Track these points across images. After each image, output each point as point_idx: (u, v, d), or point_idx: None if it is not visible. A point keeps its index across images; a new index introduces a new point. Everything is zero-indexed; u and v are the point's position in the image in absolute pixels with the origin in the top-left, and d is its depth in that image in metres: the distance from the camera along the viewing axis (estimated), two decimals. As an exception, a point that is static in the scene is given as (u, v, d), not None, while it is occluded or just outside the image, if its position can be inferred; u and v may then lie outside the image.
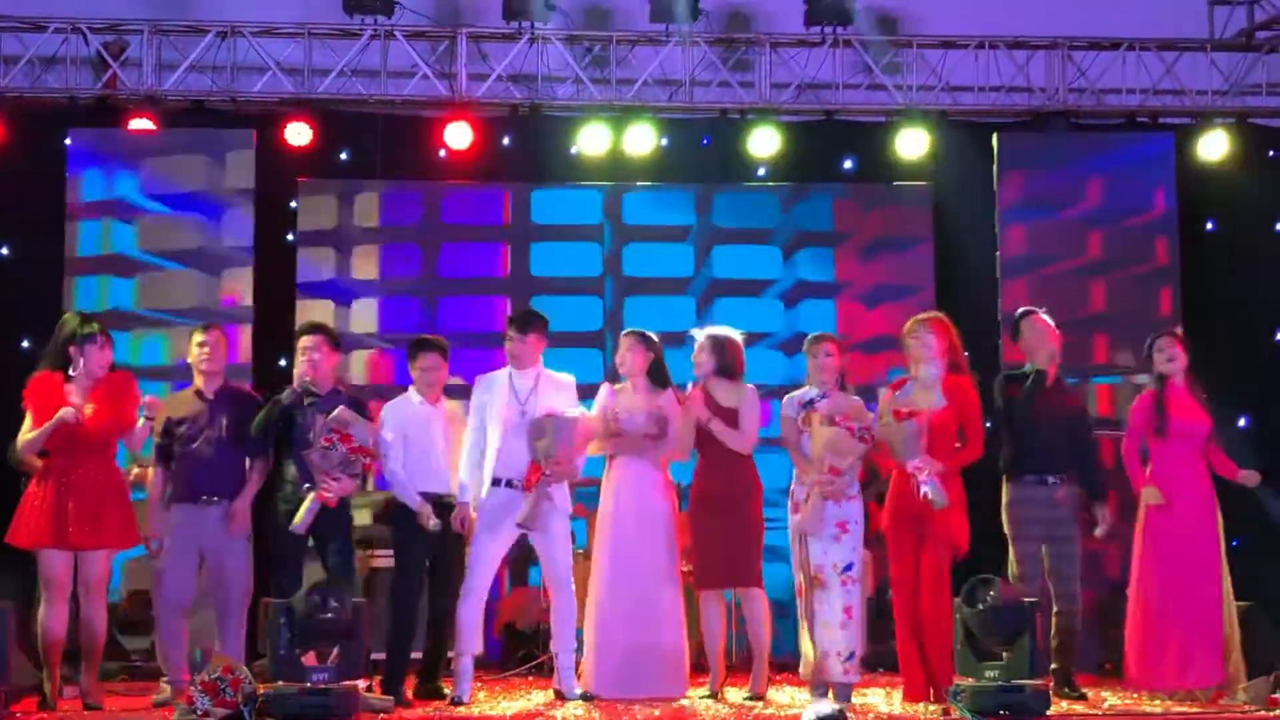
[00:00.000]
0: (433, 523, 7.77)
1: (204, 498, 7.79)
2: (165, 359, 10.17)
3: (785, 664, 8.85)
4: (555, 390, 7.93)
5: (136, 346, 10.14)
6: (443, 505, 7.88)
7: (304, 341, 7.96)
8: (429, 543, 7.86)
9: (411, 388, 8.09)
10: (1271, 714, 7.13)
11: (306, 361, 7.88)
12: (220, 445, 7.83)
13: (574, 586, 7.90)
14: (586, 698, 7.68)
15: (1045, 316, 8.10)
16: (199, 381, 7.94)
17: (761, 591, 8.02)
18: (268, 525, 7.90)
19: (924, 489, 7.37)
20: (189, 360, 8.00)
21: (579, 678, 7.84)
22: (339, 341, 8.17)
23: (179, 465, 7.82)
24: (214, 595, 7.86)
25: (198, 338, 7.96)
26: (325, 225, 10.87)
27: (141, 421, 7.69)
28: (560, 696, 7.80)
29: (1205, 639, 7.76)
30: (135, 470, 8.40)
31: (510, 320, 8.11)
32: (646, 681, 7.80)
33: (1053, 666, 7.81)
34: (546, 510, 7.73)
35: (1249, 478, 8.03)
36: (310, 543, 7.75)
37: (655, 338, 8.16)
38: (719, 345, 8.07)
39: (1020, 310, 8.27)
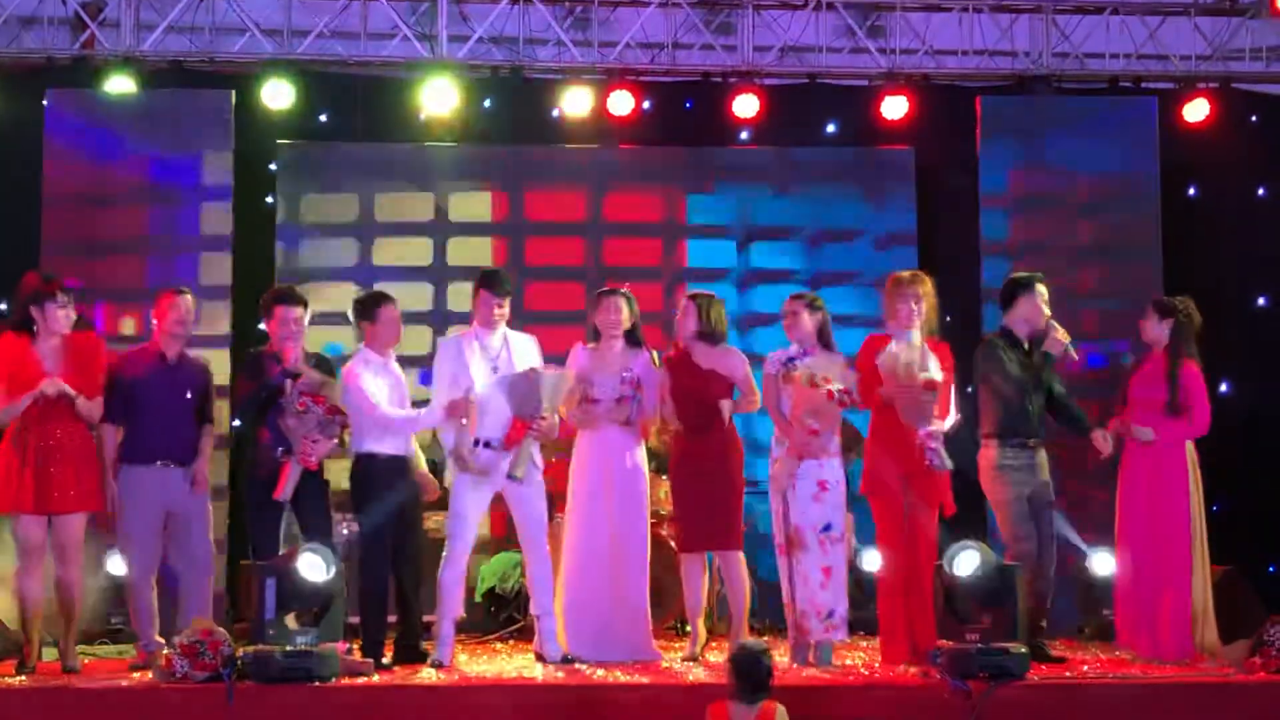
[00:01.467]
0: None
1: (160, 461, 7.75)
2: (129, 328, 10.02)
3: (767, 627, 8.90)
4: (524, 349, 7.89)
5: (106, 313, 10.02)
6: (411, 466, 7.88)
7: (295, 312, 7.80)
8: (392, 507, 7.73)
9: (366, 347, 7.89)
10: (1250, 677, 7.15)
11: (303, 337, 7.79)
12: (178, 410, 7.79)
13: (548, 547, 7.89)
14: (567, 660, 7.68)
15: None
16: (162, 344, 7.88)
17: (740, 554, 8.01)
18: (244, 490, 7.86)
19: (931, 456, 7.48)
20: (156, 321, 7.93)
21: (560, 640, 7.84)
22: None
23: (134, 426, 7.77)
24: (180, 557, 7.83)
25: (169, 301, 7.90)
26: (306, 186, 10.77)
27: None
28: (541, 659, 7.79)
29: (1175, 615, 7.77)
30: None
31: (492, 282, 7.93)
32: (623, 645, 7.82)
33: None
34: (528, 464, 7.72)
35: (1101, 440, 7.99)
36: (288, 506, 7.70)
37: (634, 297, 8.12)
38: (702, 306, 8.04)
39: (1025, 275, 8.25)
